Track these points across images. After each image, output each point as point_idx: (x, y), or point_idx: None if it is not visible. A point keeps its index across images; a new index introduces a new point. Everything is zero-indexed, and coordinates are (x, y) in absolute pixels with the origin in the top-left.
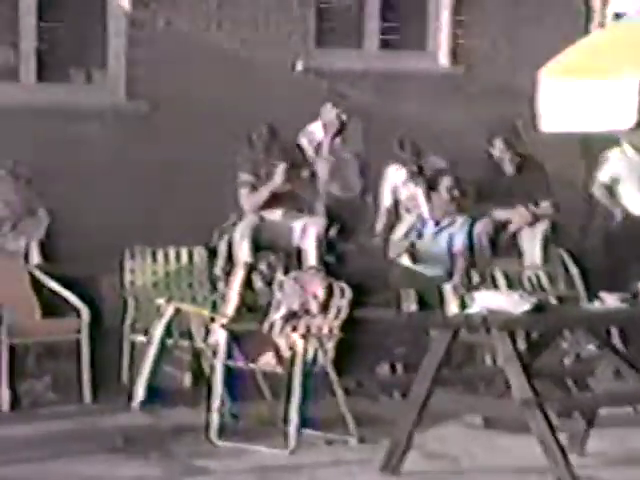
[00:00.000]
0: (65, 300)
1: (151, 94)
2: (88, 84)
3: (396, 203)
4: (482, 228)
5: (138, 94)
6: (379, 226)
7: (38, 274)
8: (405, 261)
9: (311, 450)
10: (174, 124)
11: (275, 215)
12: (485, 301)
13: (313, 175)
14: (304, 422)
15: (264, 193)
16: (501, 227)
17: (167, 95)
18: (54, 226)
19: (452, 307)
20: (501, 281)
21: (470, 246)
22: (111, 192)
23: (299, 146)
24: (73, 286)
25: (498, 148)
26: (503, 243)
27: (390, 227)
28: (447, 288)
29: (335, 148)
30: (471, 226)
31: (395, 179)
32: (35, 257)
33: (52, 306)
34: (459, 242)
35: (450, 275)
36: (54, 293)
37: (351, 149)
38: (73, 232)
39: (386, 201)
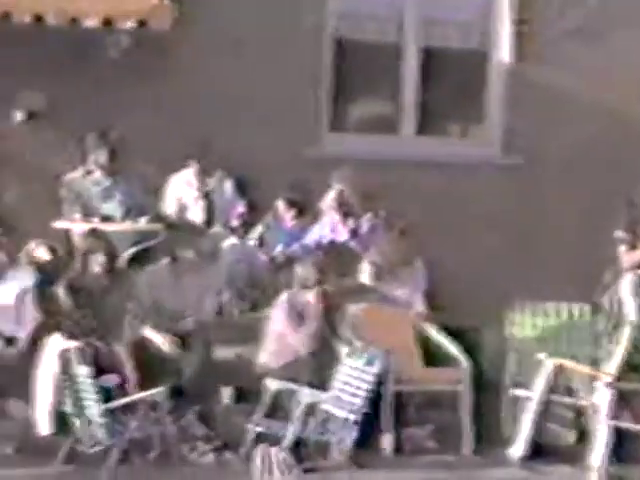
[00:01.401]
0: (447, 350)
1: (527, 148)
2: (464, 138)
3: None
4: None
5: (514, 148)
6: None
7: (421, 323)
8: None
9: None
10: (548, 178)
11: None
12: None
13: None
14: None
15: None
16: None
17: (543, 149)
18: (435, 276)
19: None
20: None
21: None
22: (489, 244)
23: None
24: (455, 336)
25: None
26: None
27: None
28: None
29: None
30: None
31: None
32: (418, 306)
33: (434, 355)
34: None
35: None
36: (436, 342)
37: None
38: (454, 283)
39: None
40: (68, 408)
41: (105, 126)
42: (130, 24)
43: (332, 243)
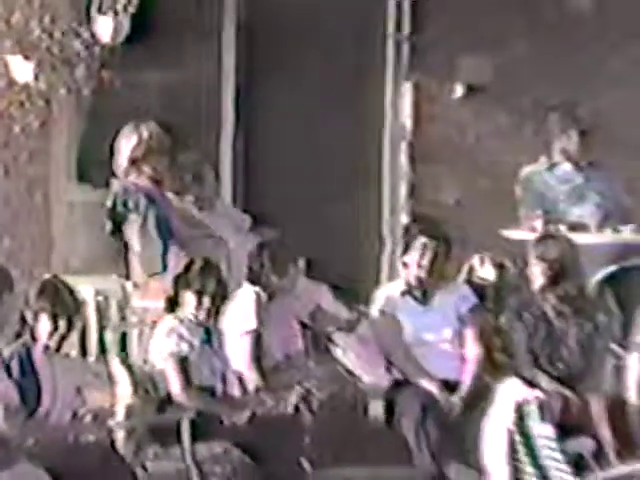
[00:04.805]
0: None
1: None
2: None
3: None
4: None
5: None
6: None
7: None
8: None
9: None
10: None
11: None
12: None
13: None
14: None
15: None
16: None
17: None
18: None
19: None
20: None
21: None
22: None
23: None
24: None
25: None
26: None
27: None
28: None
29: None
30: None
31: None
32: None
33: None
34: None
35: None
36: None
37: None
38: None
39: None
40: (525, 476)
41: (571, 104)
42: None
43: None
